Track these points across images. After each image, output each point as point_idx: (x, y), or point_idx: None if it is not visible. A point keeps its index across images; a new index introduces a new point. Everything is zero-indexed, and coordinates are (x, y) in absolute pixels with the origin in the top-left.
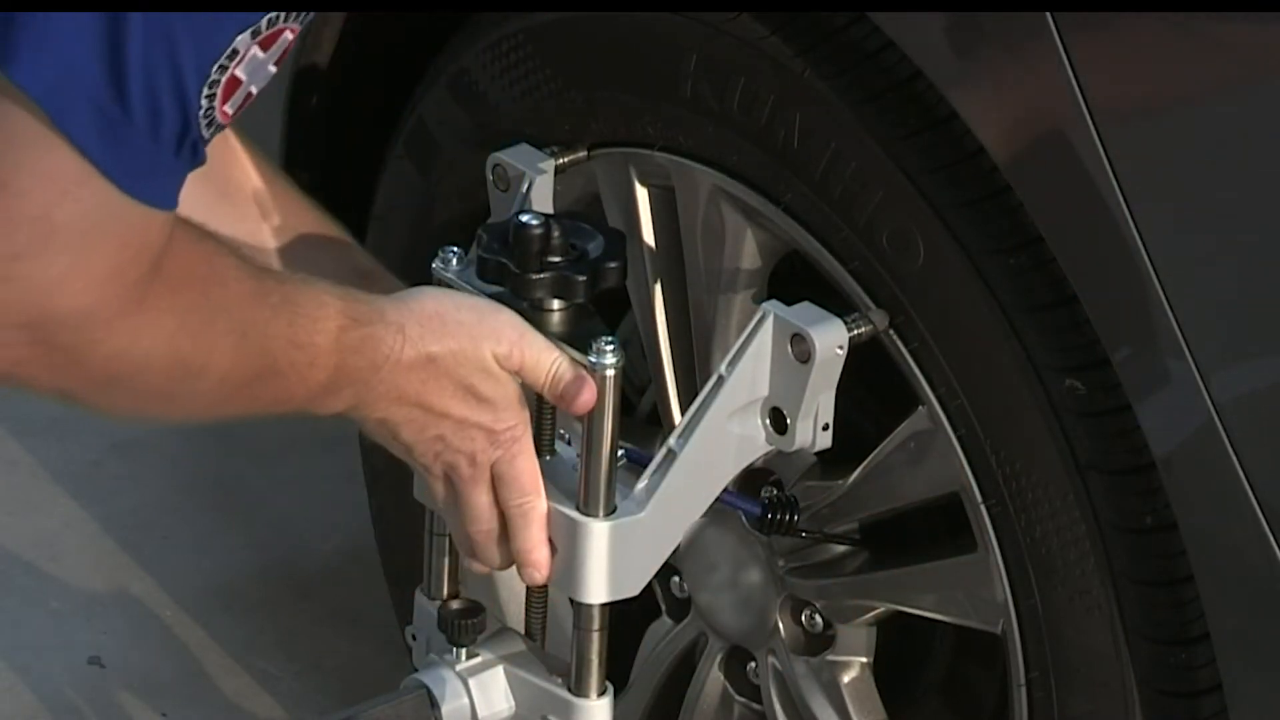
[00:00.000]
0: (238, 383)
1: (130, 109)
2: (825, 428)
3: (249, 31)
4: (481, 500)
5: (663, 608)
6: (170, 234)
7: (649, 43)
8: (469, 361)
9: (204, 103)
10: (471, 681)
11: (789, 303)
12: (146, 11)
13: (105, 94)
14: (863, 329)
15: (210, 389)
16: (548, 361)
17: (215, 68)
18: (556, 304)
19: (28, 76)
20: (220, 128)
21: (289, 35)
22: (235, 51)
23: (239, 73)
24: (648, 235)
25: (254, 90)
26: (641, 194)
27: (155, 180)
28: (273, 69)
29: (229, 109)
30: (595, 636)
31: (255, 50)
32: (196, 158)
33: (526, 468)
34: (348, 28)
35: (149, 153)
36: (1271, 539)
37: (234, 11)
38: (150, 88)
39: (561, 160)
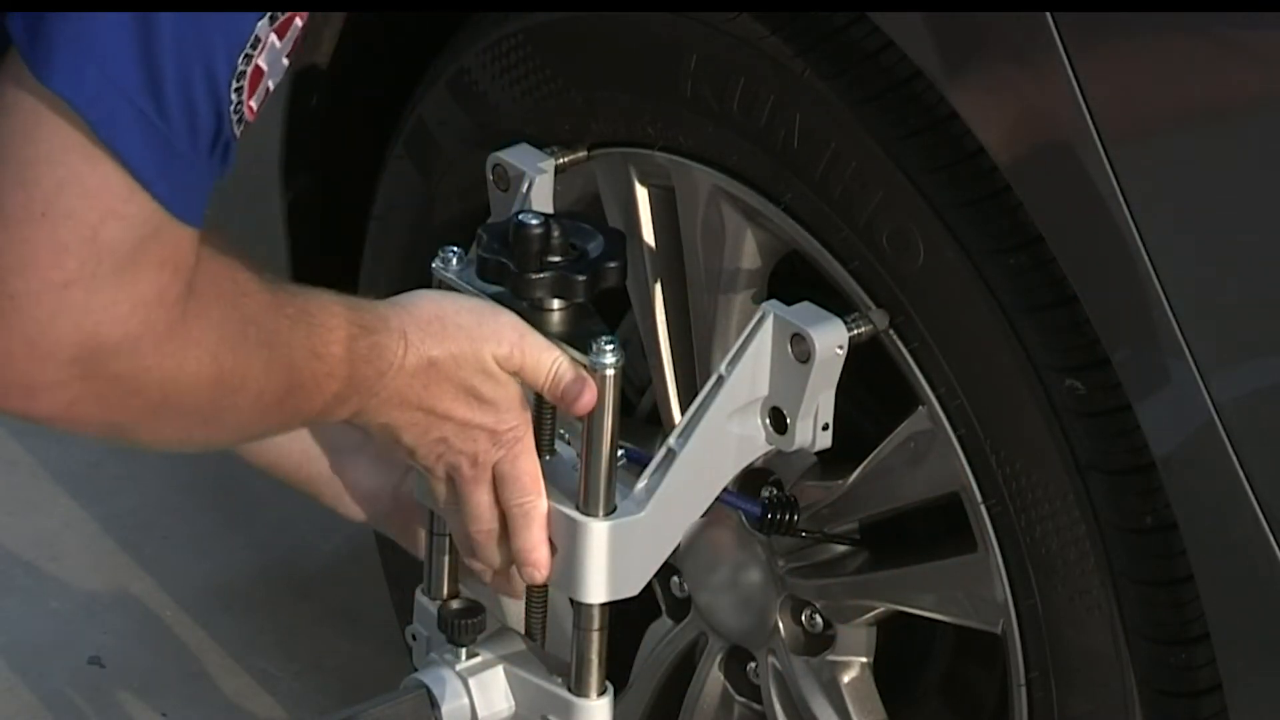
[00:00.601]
0: (271, 399)
1: (167, 111)
2: (825, 427)
3: (267, 17)
4: (483, 500)
5: (663, 607)
6: (194, 259)
7: (649, 43)
8: (469, 364)
9: (233, 97)
10: (471, 681)
11: (789, 303)
12: (172, 10)
13: (143, 98)
14: (863, 329)
15: (248, 405)
16: (548, 362)
17: (241, 57)
18: (556, 304)
19: (68, 85)
20: (246, 126)
21: (299, 22)
22: (258, 39)
23: (261, 62)
24: (648, 235)
25: (271, 85)
26: (641, 194)
27: (192, 193)
28: (286, 61)
29: (254, 104)
30: (595, 636)
31: (273, 38)
32: (227, 161)
33: (528, 468)
34: (347, 28)
35: (189, 160)
36: (1271, 539)
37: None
38: (185, 85)
39: (561, 160)
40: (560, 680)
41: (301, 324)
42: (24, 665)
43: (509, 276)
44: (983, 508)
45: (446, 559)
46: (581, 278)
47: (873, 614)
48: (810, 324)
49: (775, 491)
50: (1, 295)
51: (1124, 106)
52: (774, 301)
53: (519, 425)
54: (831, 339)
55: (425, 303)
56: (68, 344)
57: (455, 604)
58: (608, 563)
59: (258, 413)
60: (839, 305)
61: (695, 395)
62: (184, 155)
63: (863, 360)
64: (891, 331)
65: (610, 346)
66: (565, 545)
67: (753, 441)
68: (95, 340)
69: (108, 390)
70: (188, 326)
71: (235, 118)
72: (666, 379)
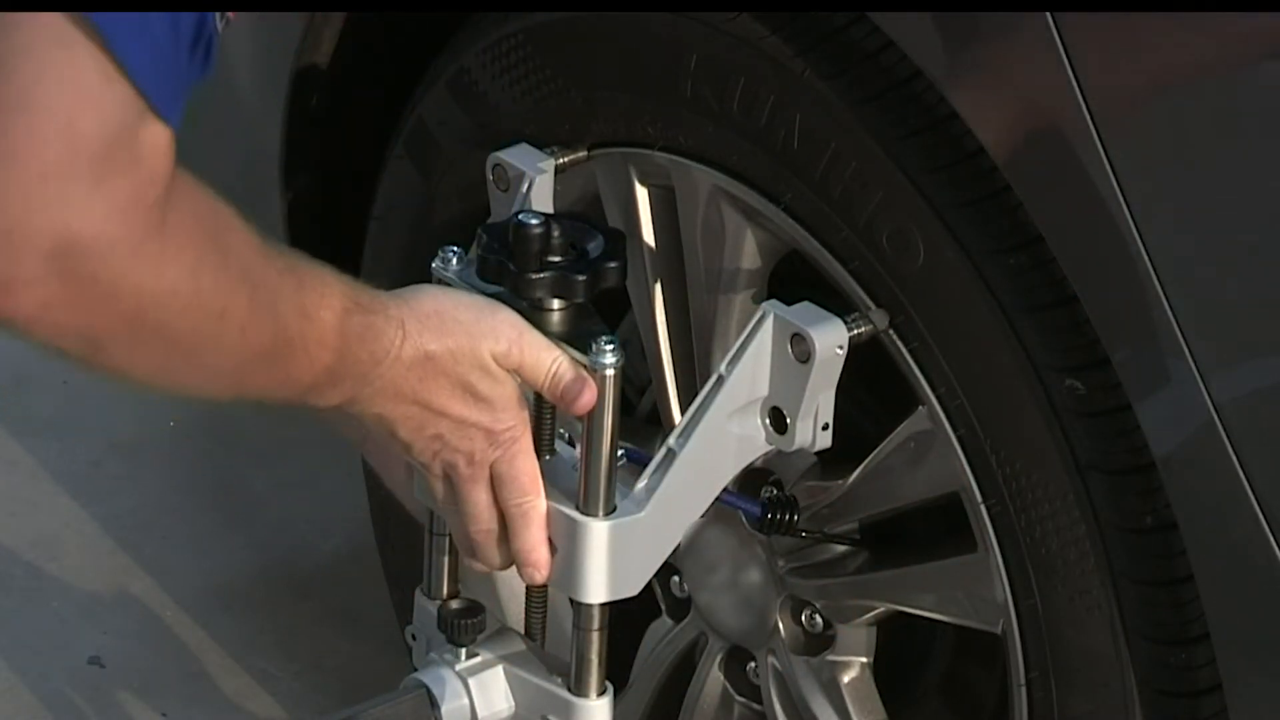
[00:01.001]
0: (256, 345)
1: None
2: (825, 427)
3: None
4: (481, 499)
5: (663, 607)
6: (173, 166)
7: (649, 43)
8: (467, 360)
9: None
10: (471, 681)
11: (789, 303)
12: None
13: None
14: (863, 329)
15: (231, 344)
16: (547, 361)
17: None
18: (556, 303)
19: None
20: (227, 23)
21: None
22: None
23: None
24: (648, 235)
25: None
26: (641, 194)
27: (171, 86)
28: None
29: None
30: (595, 636)
31: None
32: (208, 63)
33: (526, 468)
34: (348, 28)
35: (168, 52)
36: (1271, 539)
37: None
38: None
39: (561, 160)
40: (560, 680)
41: (290, 278)
42: (24, 665)
43: (509, 276)
44: (983, 508)
45: (446, 559)
46: (581, 278)
47: (873, 614)
48: (810, 324)
49: (775, 491)
50: None
51: (1123, 106)
52: (774, 301)
53: (516, 425)
54: (831, 339)
55: (425, 297)
56: (45, 237)
57: (455, 604)
58: (608, 563)
59: (242, 358)
60: (839, 305)
61: (695, 395)
62: (164, 46)
63: (863, 360)
64: (891, 331)
65: (610, 346)
66: (565, 545)
67: (753, 441)
68: (71, 235)
69: (83, 293)
70: (165, 237)
71: (217, 15)
72: (666, 379)
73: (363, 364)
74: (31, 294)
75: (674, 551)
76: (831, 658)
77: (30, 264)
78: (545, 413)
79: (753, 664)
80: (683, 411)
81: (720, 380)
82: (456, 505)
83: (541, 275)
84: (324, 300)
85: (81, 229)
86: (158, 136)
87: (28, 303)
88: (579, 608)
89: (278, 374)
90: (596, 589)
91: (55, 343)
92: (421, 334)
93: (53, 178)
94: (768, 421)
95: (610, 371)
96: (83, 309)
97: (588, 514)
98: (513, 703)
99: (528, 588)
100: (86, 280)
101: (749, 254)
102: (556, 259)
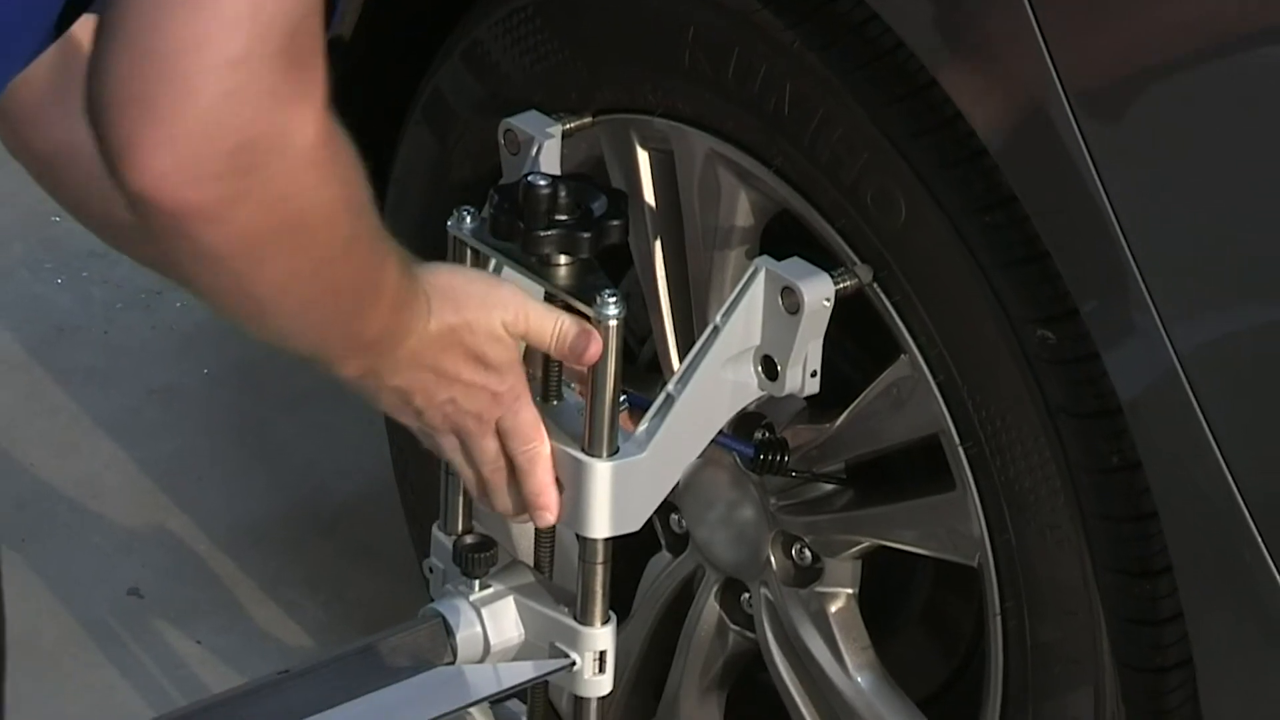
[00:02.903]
0: (355, 283)
1: None
2: (813, 374)
3: None
4: (490, 447)
5: (662, 543)
6: None
7: (650, 16)
8: (482, 330)
9: None
10: (484, 611)
11: (780, 258)
12: None
13: None
14: (848, 282)
15: (347, 274)
16: (551, 324)
17: None
18: (563, 259)
19: None
20: None
21: None
22: None
23: None
24: (648, 195)
25: None
26: (642, 157)
27: None
28: None
29: None
30: (599, 569)
31: None
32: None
33: (528, 419)
34: (368, 4)
35: None
36: (1229, 477)
37: None
38: None
39: (568, 125)
40: (567, 610)
41: (368, 215)
42: (68, 595)
43: (519, 234)
44: (960, 449)
45: (461, 497)
46: (586, 235)
47: (858, 548)
48: (799, 278)
49: (767, 434)
50: (174, 75)
51: (1090, 71)
52: (766, 257)
53: (516, 384)
54: (819, 292)
55: (439, 274)
56: (235, 127)
57: (469, 539)
58: (611, 500)
59: (344, 290)
60: (826, 261)
61: (692, 344)
62: None
63: (849, 312)
64: (875, 285)
65: (613, 299)
66: (571, 484)
67: (746, 387)
68: (260, 128)
69: (261, 191)
70: (333, 145)
71: None
72: (666, 329)
73: (396, 336)
74: (217, 188)
75: (673, 490)
76: (820, 589)
77: (217, 156)
78: (552, 362)
79: (746, 595)
80: (681, 360)
81: (716, 330)
82: (466, 457)
83: (550, 233)
84: (389, 257)
85: (271, 121)
86: (320, 36)
87: (207, 197)
88: (584, 542)
89: (353, 322)
90: (601, 525)
91: (209, 244)
92: (442, 308)
93: (243, 64)
94: (760, 369)
95: (613, 323)
96: (256, 209)
97: (592, 455)
98: (523, 631)
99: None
100: (266, 178)
101: (742, 213)
102: (563, 217)
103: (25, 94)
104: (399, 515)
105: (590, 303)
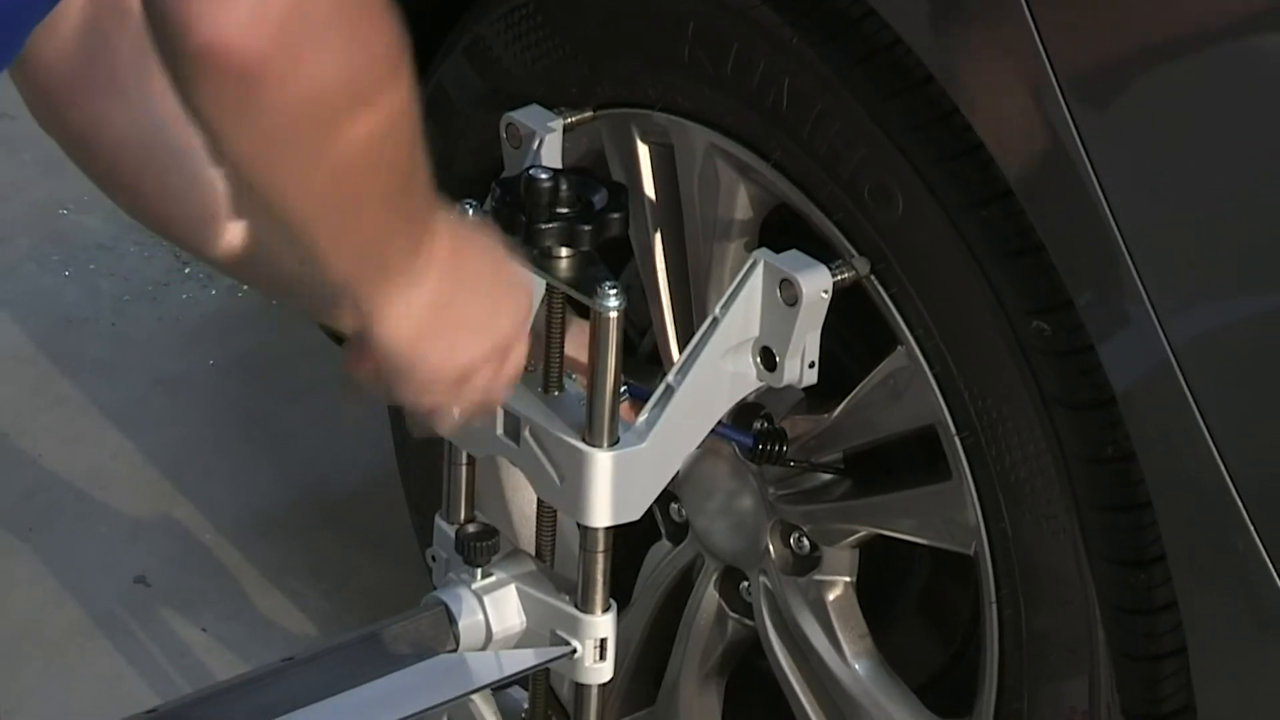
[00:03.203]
0: (405, 145)
1: None
2: (811, 365)
3: None
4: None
5: (662, 531)
6: None
7: (650, 12)
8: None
9: None
10: (486, 599)
11: (778, 251)
12: None
13: None
14: (846, 275)
15: (406, 137)
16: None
17: None
18: (564, 252)
19: None
20: None
21: None
22: None
23: None
24: (648, 189)
25: None
26: (643, 151)
27: None
28: None
29: None
30: (600, 558)
31: None
32: None
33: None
34: None
35: None
36: (1222, 467)
37: None
38: None
39: (569, 120)
40: (568, 598)
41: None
42: (76, 584)
43: (521, 227)
44: (957, 439)
45: (464, 486)
46: (587, 227)
47: (855, 537)
48: (798, 270)
49: (766, 424)
50: None
51: (1085, 65)
52: (764, 250)
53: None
54: (817, 284)
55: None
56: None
57: (472, 528)
58: (611, 490)
59: (399, 164)
60: (824, 253)
61: (692, 336)
62: None
63: (846, 304)
64: (872, 277)
65: (613, 291)
66: (572, 474)
67: (745, 378)
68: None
69: (290, 70)
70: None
71: None
72: (665, 321)
73: (422, 235)
74: (280, 36)
75: (673, 480)
76: (818, 577)
77: (262, 26)
78: (554, 351)
79: (745, 583)
80: (680, 351)
81: (715, 322)
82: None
83: (551, 225)
84: (421, 163)
85: None
86: None
87: (273, 45)
88: (585, 531)
89: (389, 210)
90: (601, 514)
91: (273, 104)
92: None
93: None
94: (759, 360)
95: (614, 314)
96: (286, 84)
97: (593, 445)
98: (524, 619)
99: (538, 513)
100: (298, 55)
101: (741, 206)
102: (565, 210)
103: (57, 64)
104: (402, 505)
105: (591, 294)
